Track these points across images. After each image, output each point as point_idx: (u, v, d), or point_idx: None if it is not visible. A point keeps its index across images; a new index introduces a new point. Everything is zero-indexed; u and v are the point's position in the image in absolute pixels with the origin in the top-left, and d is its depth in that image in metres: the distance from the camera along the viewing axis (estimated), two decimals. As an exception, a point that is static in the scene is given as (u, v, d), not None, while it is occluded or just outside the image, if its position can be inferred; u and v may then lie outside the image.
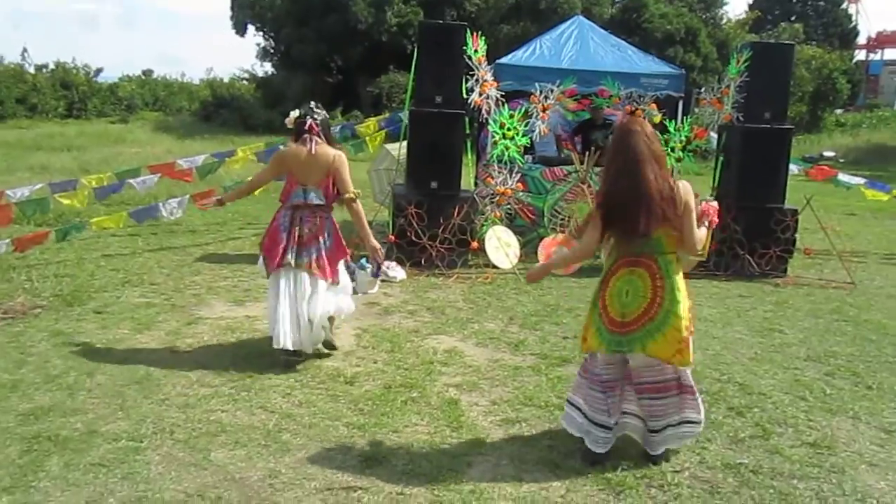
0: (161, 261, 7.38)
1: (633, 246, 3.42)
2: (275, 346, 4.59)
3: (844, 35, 41.67)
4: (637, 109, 8.41)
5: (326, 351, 4.96)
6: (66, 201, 7.25)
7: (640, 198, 3.30)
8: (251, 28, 30.61)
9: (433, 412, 4.13)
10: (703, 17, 26.29)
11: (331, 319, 4.91)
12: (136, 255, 7.55)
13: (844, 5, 43.76)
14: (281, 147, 5.00)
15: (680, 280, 3.48)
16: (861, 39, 45.79)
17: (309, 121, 4.64)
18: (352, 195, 4.71)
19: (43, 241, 6.83)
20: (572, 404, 3.72)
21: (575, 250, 3.77)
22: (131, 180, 7.66)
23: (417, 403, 4.23)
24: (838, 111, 33.30)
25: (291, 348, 4.59)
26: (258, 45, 31.04)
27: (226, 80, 33.07)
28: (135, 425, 3.78)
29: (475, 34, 7.66)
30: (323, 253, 4.65)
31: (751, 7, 40.10)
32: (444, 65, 7.41)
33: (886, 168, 22.18)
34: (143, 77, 34.06)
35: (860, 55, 43.52)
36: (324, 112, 4.75)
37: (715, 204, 3.63)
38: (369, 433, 3.82)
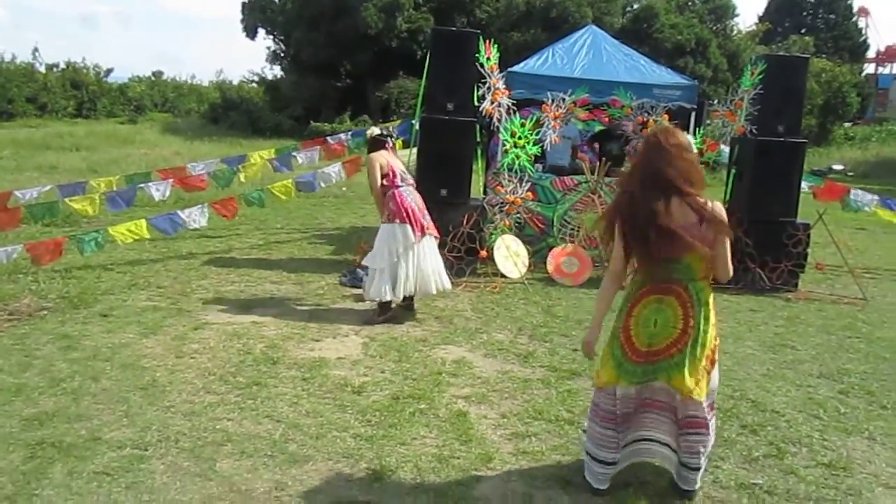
0: (168, 264, 7.35)
1: (659, 271, 3.15)
2: (394, 299, 5.83)
3: (854, 48, 41.53)
4: (649, 120, 8.41)
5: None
6: (76, 206, 7.20)
7: (652, 223, 3.05)
8: (261, 31, 30.71)
9: (441, 424, 4.07)
10: (714, 28, 26.23)
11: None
12: (143, 258, 7.51)
13: (854, 18, 43.66)
14: (370, 156, 6.04)
15: (712, 308, 3.22)
16: (870, 53, 45.73)
17: (390, 141, 6.23)
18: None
19: (60, 255, 6.61)
20: (584, 430, 3.54)
21: (607, 284, 3.33)
22: (144, 185, 7.59)
23: (426, 415, 4.17)
24: (847, 124, 33.20)
25: (410, 294, 5.93)
26: (268, 48, 31.11)
27: (235, 82, 33.22)
28: (139, 433, 3.74)
29: (488, 42, 7.63)
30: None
31: (761, 19, 40.05)
32: (456, 72, 7.37)
33: (895, 182, 22.08)
34: (153, 78, 34.18)
35: (869, 68, 43.44)
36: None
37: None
38: (377, 445, 3.77)
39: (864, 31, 44.02)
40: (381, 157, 5.99)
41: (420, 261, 5.88)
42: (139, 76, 34.58)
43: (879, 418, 4.50)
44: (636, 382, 3.24)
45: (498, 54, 7.68)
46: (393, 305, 5.97)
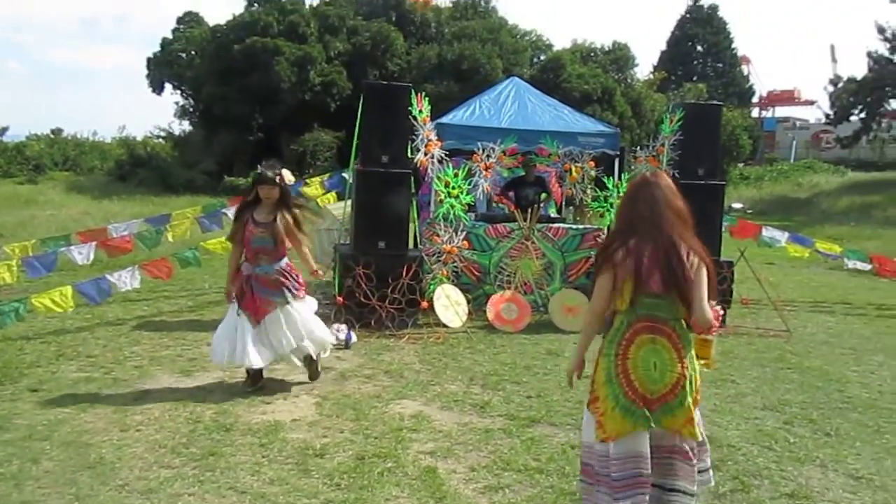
0: (95, 331, 6.95)
1: (649, 308, 3.10)
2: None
3: (742, 94, 44.55)
4: (576, 167, 8.70)
5: None
6: (-9, 274, 6.75)
7: (659, 254, 3.04)
8: (168, 86, 30.15)
9: (412, 483, 3.98)
10: (616, 77, 27.57)
11: None
12: (68, 326, 7.09)
13: (739, 66, 46.92)
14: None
15: (691, 341, 3.18)
16: (755, 99, 49.15)
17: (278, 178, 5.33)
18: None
19: None
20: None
21: (589, 320, 3.28)
22: (65, 249, 7.21)
23: (394, 474, 4.07)
24: (741, 165, 35.36)
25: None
26: (176, 103, 30.55)
27: (139, 138, 32.25)
28: (95, 516, 3.48)
29: (419, 95, 7.75)
30: None
31: (656, 67, 42.42)
32: (389, 124, 7.43)
33: (791, 217, 23.61)
34: (52, 136, 32.74)
35: (755, 113, 46.62)
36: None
37: (718, 308, 3.25)
38: (351, 510, 3.64)
39: (748, 78, 47.33)
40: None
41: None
42: (37, 134, 33.09)
43: (826, 446, 4.71)
44: (646, 427, 3.10)
45: (429, 107, 7.81)
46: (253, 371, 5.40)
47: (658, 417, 3.13)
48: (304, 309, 5.44)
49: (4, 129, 30.70)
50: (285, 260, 5.37)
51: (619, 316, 3.20)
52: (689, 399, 3.14)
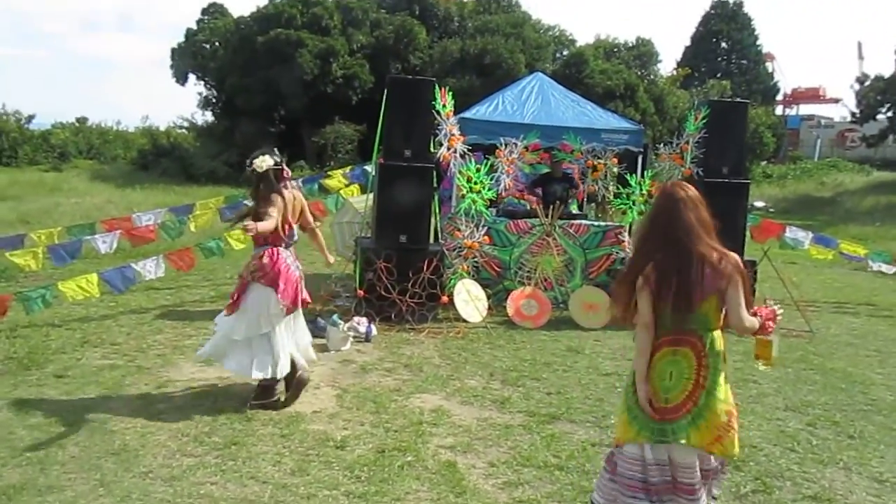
0: (119, 319, 7.04)
1: (677, 322, 3.05)
2: (276, 377, 4.87)
3: (766, 91, 44.00)
4: (598, 164, 8.66)
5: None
6: (18, 260, 6.83)
7: (690, 270, 3.00)
8: (192, 77, 30.34)
9: (432, 477, 3.99)
10: (640, 73, 27.37)
11: None
12: (92, 314, 7.18)
13: (763, 63, 46.36)
14: (274, 196, 4.77)
15: (723, 359, 3.10)
16: (779, 96, 48.55)
17: (284, 168, 4.94)
18: (316, 224, 5.34)
19: (4, 314, 6.19)
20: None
21: (641, 336, 3.14)
22: (90, 237, 7.28)
23: (414, 468, 4.09)
24: (764, 163, 34.96)
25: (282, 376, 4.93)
26: (200, 93, 30.73)
27: (162, 128, 32.54)
28: (120, 503, 3.53)
29: (443, 89, 7.74)
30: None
31: (679, 64, 42.04)
32: (413, 119, 7.43)
33: (814, 217, 23.30)
34: (77, 124, 33.10)
35: (778, 110, 46.05)
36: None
37: (775, 307, 3.23)
38: (371, 503, 3.66)
39: (773, 75, 46.75)
40: (286, 201, 4.84)
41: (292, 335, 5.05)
42: (62, 122, 33.46)
43: (850, 448, 4.66)
44: (658, 441, 3.05)
45: (453, 101, 7.80)
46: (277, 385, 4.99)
47: (682, 430, 3.03)
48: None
49: (31, 118, 31.02)
50: (262, 250, 4.89)
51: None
52: (713, 409, 3.03)
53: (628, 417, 3.13)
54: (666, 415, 3.05)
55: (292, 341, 5.05)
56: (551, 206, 8.31)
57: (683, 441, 3.01)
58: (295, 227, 5.03)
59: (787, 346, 7.20)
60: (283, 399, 4.98)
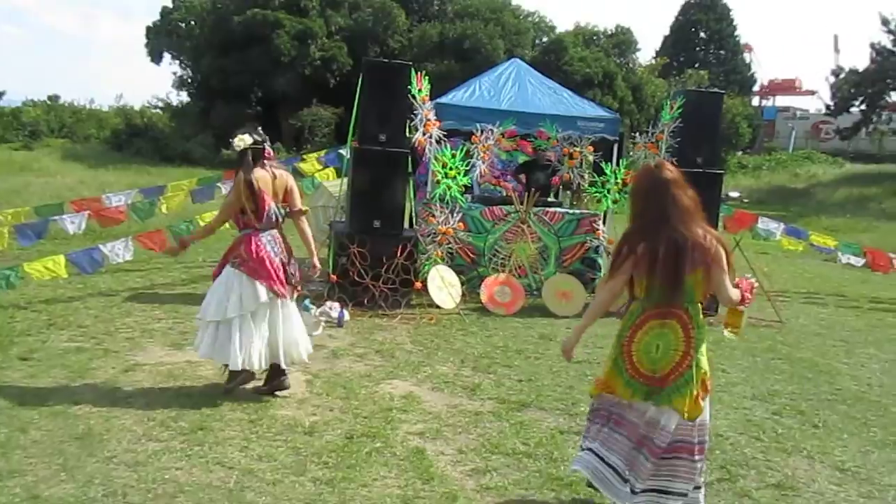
0: (87, 301, 6.93)
1: (665, 295, 3.22)
2: (252, 369, 4.72)
3: (743, 82, 44.27)
4: (574, 151, 8.66)
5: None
6: (-18, 240, 6.69)
7: (681, 247, 3.15)
8: (167, 56, 29.86)
9: (400, 463, 3.99)
10: (618, 61, 27.40)
11: None
12: (59, 295, 7.06)
13: (741, 54, 46.62)
14: (239, 178, 4.63)
15: (705, 329, 3.31)
16: (756, 87, 48.90)
17: (267, 147, 4.76)
18: (304, 209, 4.98)
19: None
20: (591, 451, 3.38)
21: (599, 301, 3.40)
22: (57, 217, 7.15)
23: (383, 454, 4.08)
24: (739, 153, 35.27)
25: (265, 366, 4.80)
26: (174, 73, 30.25)
27: (137, 107, 31.99)
28: (82, 488, 3.47)
29: (419, 74, 7.68)
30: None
31: (658, 53, 42.17)
32: (388, 103, 7.35)
33: (787, 208, 23.58)
34: (49, 102, 32.43)
35: (755, 101, 46.39)
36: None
37: (752, 280, 3.45)
38: (338, 489, 3.64)
39: (750, 66, 47.04)
40: (260, 181, 4.60)
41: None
42: (34, 100, 32.76)
43: (814, 437, 4.73)
44: (645, 399, 3.26)
45: (429, 86, 7.75)
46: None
47: (669, 396, 3.25)
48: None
49: (1, 94, 30.39)
50: (242, 235, 4.77)
51: (637, 302, 3.35)
52: (696, 380, 3.25)
53: (622, 382, 3.32)
54: (654, 382, 3.26)
55: (276, 334, 4.76)
56: (530, 194, 8.29)
57: (665, 405, 3.23)
58: (278, 208, 4.74)
59: (757, 336, 7.30)
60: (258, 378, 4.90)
